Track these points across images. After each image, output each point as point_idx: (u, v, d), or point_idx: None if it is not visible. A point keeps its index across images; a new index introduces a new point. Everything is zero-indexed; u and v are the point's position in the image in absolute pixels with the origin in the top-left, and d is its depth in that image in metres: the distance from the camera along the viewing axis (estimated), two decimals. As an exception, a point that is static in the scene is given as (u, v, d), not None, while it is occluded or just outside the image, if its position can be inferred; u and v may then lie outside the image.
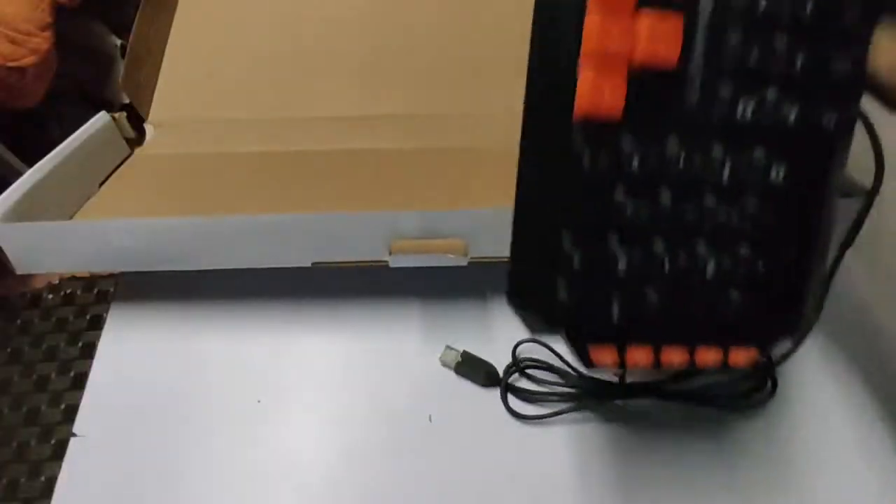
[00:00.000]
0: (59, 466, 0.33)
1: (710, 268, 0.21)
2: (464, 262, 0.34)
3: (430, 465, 0.33)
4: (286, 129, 0.46)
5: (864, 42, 0.20)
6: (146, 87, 0.47)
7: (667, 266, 0.21)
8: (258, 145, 0.45)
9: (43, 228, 0.34)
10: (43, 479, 0.96)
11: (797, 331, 0.22)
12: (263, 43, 0.49)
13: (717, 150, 0.21)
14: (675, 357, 0.22)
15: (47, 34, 0.89)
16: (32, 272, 0.35)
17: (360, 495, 0.32)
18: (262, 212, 0.35)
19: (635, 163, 0.20)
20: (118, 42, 1.07)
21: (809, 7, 0.19)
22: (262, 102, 0.47)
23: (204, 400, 0.36)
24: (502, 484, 0.32)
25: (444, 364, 0.36)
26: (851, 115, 0.21)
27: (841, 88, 0.20)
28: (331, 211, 0.33)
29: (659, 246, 0.21)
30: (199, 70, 0.48)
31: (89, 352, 1.08)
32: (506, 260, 0.21)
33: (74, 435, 0.35)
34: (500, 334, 0.37)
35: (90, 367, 0.37)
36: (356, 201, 0.38)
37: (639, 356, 0.22)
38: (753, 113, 0.20)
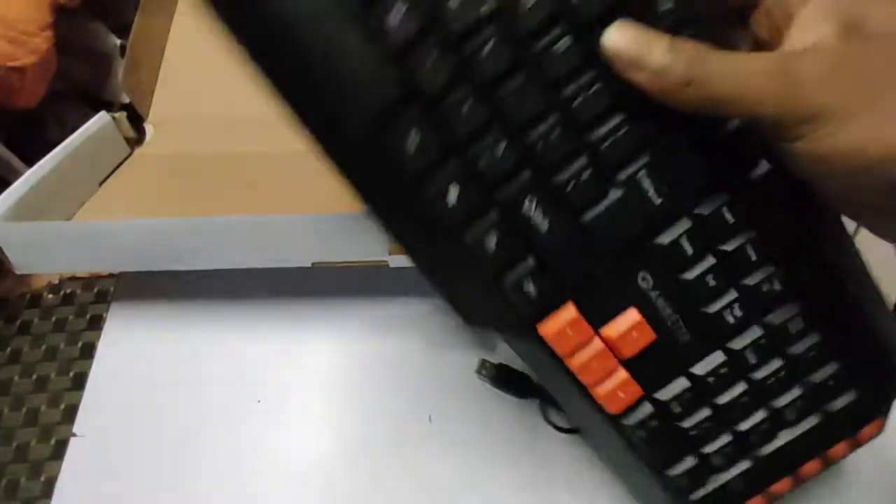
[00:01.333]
0: (59, 466, 0.33)
1: (791, 412, 0.23)
2: (464, 263, 0.34)
3: (430, 465, 0.33)
4: (286, 129, 0.46)
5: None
6: (146, 87, 0.47)
7: (752, 438, 0.24)
8: (258, 145, 0.45)
9: (43, 228, 0.34)
10: (43, 479, 0.96)
11: None
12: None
13: (734, 348, 0.22)
14: (812, 469, 0.25)
15: (47, 34, 0.89)
16: (32, 272, 0.35)
17: (360, 495, 0.32)
18: (262, 212, 0.35)
19: (677, 406, 0.23)
20: (118, 42, 1.07)
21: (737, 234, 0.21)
22: (261, 102, 0.47)
23: (204, 400, 0.36)
24: (501, 484, 0.32)
25: (481, 377, 0.35)
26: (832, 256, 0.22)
27: (804, 248, 0.21)
28: (331, 211, 0.33)
29: (739, 429, 0.23)
30: (198, 70, 0.48)
31: (89, 352, 1.08)
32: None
33: (74, 435, 0.35)
34: (500, 334, 0.37)
35: (90, 367, 0.37)
36: (356, 201, 0.38)
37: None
38: (742, 309, 0.22)
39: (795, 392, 0.23)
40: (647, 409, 0.23)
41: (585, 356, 0.21)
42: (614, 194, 0.19)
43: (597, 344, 0.21)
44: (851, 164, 0.16)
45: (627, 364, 0.22)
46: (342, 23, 0.17)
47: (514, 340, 0.22)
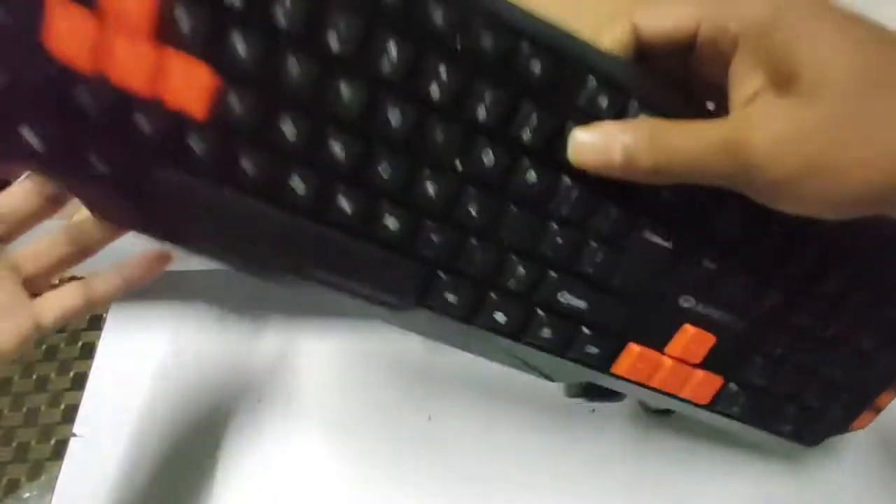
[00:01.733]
0: (59, 466, 0.33)
1: (869, 344, 0.25)
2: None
3: (430, 464, 0.33)
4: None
5: None
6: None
7: (841, 375, 0.26)
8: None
9: (43, 228, 0.34)
10: (43, 478, 0.96)
11: None
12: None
13: (792, 321, 0.24)
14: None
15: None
16: (32, 272, 0.35)
17: (360, 494, 0.32)
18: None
19: (760, 379, 0.25)
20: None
21: None
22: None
23: (204, 400, 0.36)
24: (501, 484, 0.32)
25: (571, 396, 0.34)
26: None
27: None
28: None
29: (828, 373, 0.26)
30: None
31: (89, 352, 1.08)
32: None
33: (74, 435, 0.35)
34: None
35: (90, 367, 0.37)
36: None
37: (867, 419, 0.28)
38: (783, 293, 0.23)
39: (873, 330, 0.25)
40: (733, 389, 0.25)
41: (661, 375, 0.24)
42: (630, 257, 0.22)
43: (667, 362, 0.24)
44: (819, 213, 0.18)
45: (700, 365, 0.24)
46: (352, 243, 0.20)
47: (596, 379, 0.24)
